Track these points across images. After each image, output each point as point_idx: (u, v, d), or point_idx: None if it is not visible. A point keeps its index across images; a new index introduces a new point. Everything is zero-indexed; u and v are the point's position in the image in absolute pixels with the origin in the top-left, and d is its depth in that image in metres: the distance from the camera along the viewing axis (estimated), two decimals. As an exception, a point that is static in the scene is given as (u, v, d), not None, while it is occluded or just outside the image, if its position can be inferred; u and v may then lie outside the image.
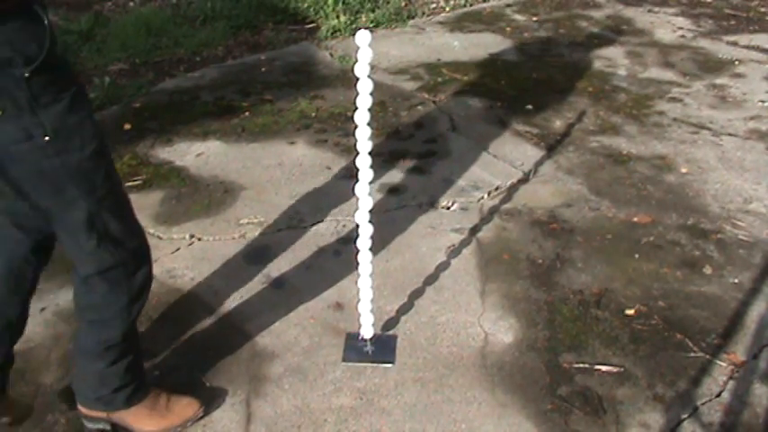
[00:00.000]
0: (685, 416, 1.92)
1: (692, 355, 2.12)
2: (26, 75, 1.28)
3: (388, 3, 5.35)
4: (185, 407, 1.86)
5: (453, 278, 2.45)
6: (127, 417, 1.82)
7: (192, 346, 2.15)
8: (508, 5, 5.55)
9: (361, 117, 1.79)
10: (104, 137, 1.49)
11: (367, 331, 2.10)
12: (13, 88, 1.29)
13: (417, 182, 3.04)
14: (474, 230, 2.71)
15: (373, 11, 5.17)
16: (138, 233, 1.67)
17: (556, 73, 4.21)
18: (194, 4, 5.07)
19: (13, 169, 1.40)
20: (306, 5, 5.12)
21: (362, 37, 1.69)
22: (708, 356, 2.11)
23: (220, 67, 4.24)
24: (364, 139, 1.82)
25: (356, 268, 2.04)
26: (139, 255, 1.66)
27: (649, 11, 5.43)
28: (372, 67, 1.72)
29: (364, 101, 1.77)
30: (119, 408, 1.80)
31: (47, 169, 1.39)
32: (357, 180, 1.89)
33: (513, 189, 2.99)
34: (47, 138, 1.34)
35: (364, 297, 2.06)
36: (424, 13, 5.32)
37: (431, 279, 2.44)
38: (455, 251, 2.58)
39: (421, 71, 4.22)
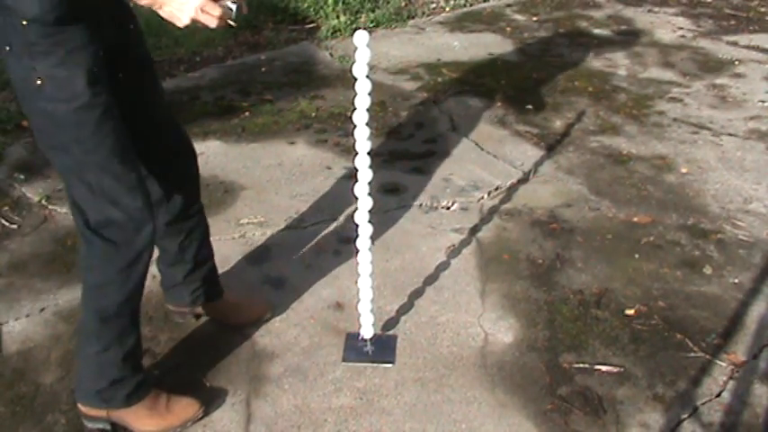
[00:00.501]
0: (685, 416, 1.91)
1: (692, 355, 2.12)
2: (23, 23, 1.41)
3: (388, 3, 5.35)
4: (185, 407, 1.87)
5: (453, 278, 2.45)
6: (126, 416, 1.83)
7: (191, 346, 2.15)
8: (508, 5, 5.55)
9: (360, 117, 1.79)
10: (109, 99, 1.55)
11: (367, 331, 2.10)
12: (12, 32, 1.44)
13: (417, 182, 3.04)
14: (474, 230, 2.71)
15: (373, 11, 5.17)
16: (137, 196, 1.64)
17: (556, 73, 4.21)
18: (194, 4, 5.07)
19: (23, 104, 1.57)
20: (306, 5, 5.12)
21: (361, 37, 1.69)
22: (708, 356, 2.11)
23: (220, 67, 4.24)
24: (363, 140, 1.82)
25: (356, 268, 2.04)
26: (138, 219, 1.65)
27: (649, 11, 5.43)
28: (372, 67, 1.73)
29: (363, 101, 1.77)
30: (119, 406, 1.81)
31: (39, 111, 1.52)
32: (357, 180, 1.89)
33: (513, 189, 2.99)
34: (38, 82, 1.46)
35: (364, 297, 2.06)
36: (424, 13, 5.32)
37: (431, 279, 2.44)
38: (455, 251, 2.58)
39: (421, 71, 4.22)
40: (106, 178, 1.59)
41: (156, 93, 1.80)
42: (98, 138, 1.55)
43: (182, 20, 1.54)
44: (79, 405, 1.84)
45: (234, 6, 1.65)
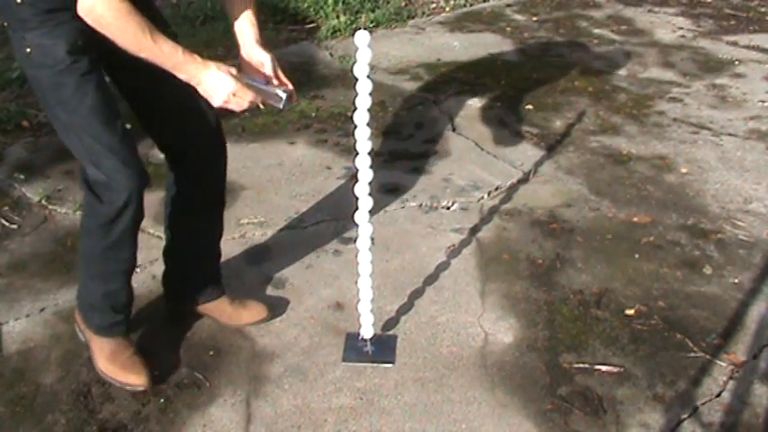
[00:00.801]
0: (685, 416, 1.91)
1: (692, 355, 2.12)
2: (18, 2, 1.59)
3: (388, 3, 5.35)
4: (136, 375, 1.96)
5: (453, 278, 2.45)
6: (92, 342, 2.01)
7: (191, 346, 2.15)
8: (508, 5, 5.55)
9: (361, 117, 1.79)
10: (90, 66, 1.68)
11: (367, 331, 2.10)
12: (8, 11, 1.62)
13: (417, 182, 3.04)
14: (474, 230, 2.71)
15: (373, 11, 5.17)
16: (116, 158, 1.72)
17: (556, 73, 4.21)
18: (194, 4, 5.07)
19: (25, 73, 1.75)
20: (306, 5, 5.12)
21: (361, 37, 1.69)
22: (708, 356, 2.11)
23: (220, 68, 4.23)
24: (364, 140, 1.82)
25: (356, 268, 2.04)
26: (116, 179, 1.73)
27: (649, 11, 5.43)
28: (372, 67, 1.73)
29: (363, 101, 1.77)
30: (90, 329, 2.01)
31: (32, 77, 1.71)
32: (357, 180, 1.89)
33: (513, 189, 2.99)
34: (28, 50, 1.64)
35: (364, 297, 2.06)
36: (424, 13, 5.32)
37: (431, 279, 2.44)
38: (455, 251, 2.58)
39: (421, 71, 4.22)
40: (86, 138, 1.71)
41: (174, 84, 1.79)
42: (77, 99, 1.66)
43: (214, 101, 1.70)
44: (76, 312, 2.06)
45: (284, 96, 1.78)
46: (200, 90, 1.68)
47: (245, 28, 1.84)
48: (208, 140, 1.97)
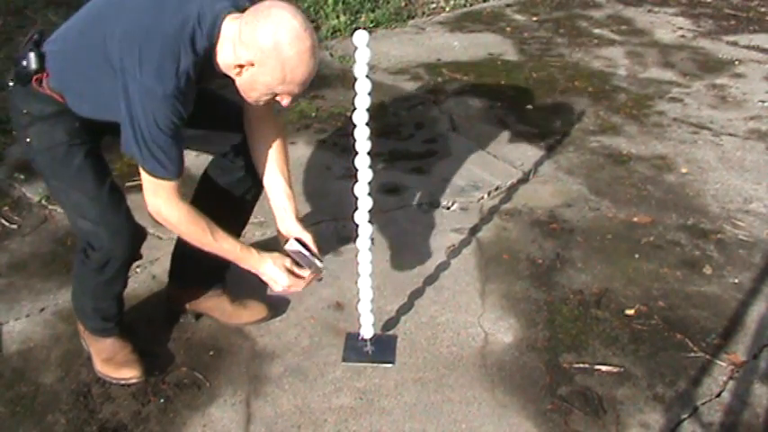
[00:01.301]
0: (685, 416, 1.91)
1: (692, 355, 2.12)
2: (24, 112, 1.80)
3: (388, 3, 5.35)
4: (129, 369, 2.00)
5: (453, 278, 2.45)
6: (91, 345, 2.04)
7: (191, 346, 2.15)
8: (508, 5, 5.55)
9: (360, 117, 1.79)
10: (84, 140, 1.82)
11: (367, 331, 2.10)
12: (15, 115, 1.84)
13: (417, 182, 3.04)
14: (474, 230, 2.71)
15: (373, 11, 5.17)
16: (103, 213, 1.81)
17: (556, 73, 4.21)
18: (194, 4, 5.07)
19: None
20: (306, 5, 5.12)
21: (361, 37, 1.69)
22: (708, 356, 2.11)
23: (220, 68, 4.24)
24: (363, 140, 1.82)
25: (356, 268, 2.04)
26: (101, 234, 1.81)
27: (649, 11, 5.43)
28: (372, 67, 1.73)
29: (363, 101, 1.77)
30: (86, 328, 2.04)
31: (33, 161, 1.86)
32: (357, 180, 1.89)
33: (513, 189, 2.99)
34: (28, 140, 1.82)
35: (364, 297, 2.06)
36: (424, 13, 5.32)
37: (431, 279, 2.44)
38: (455, 251, 2.58)
39: (421, 71, 4.22)
40: (74, 194, 1.81)
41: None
42: (66, 162, 1.79)
43: (275, 288, 1.88)
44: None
45: (322, 267, 1.94)
46: (263, 277, 1.88)
47: (286, 205, 1.95)
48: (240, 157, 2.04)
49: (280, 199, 1.95)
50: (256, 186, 2.04)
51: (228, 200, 2.04)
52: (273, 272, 1.85)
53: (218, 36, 1.63)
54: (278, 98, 1.69)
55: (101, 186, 1.82)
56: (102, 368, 2.01)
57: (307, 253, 1.92)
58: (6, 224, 2.72)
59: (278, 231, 1.98)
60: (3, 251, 2.57)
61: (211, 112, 1.91)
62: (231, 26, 1.62)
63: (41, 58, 1.74)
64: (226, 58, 1.65)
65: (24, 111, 1.79)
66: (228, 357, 2.10)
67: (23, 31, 4.61)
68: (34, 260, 2.52)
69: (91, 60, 1.67)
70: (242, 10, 1.64)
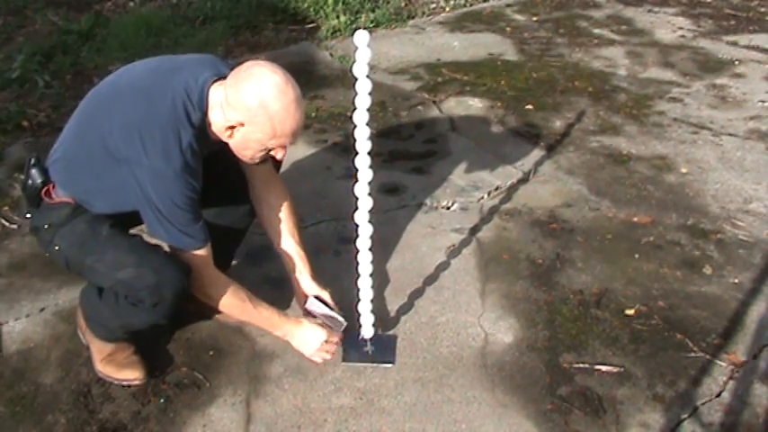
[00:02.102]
0: (685, 416, 1.91)
1: (692, 355, 2.12)
2: (45, 227, 1.83)
3: (388, 3, 5.35)
4: (132, 370, 2.00)
5: (453, 278, 2.45)
6: (92, 344, 2.03)
7: (191, 346, 2.15)
8: (508, 5, 5.55)
9: (360, 117, 1.79)
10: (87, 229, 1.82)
11: (367, 331, 2.10)
12: (41, 233, 1.85)
13: (417, 182, 3.04)
14: (474, 230, 2.71)
15: (373, 11, 5.17)
16: (141, 256, 1.78)
17: (556, 73, 4.22)
18: (194, 4, 5.07)
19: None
20: (306, 5, 5.12)
21: (361, 37, 1.69)
22: (708, 356, 2.11)
23: (220, 68, 4.23)
24: (363, 140, 1.82)
25: (356, 268, 2.04)
26: (143, 274, 1.76)
27: (649, 11, 5.43)
28: (372, 67, 1.74)
29: (363, 101, 1.77)
30: (93, 334, 2.01)
31: (63, 260, 1.87)
32: (357, 180, 1.89)
33: (513, 189, 2.99)
34: (57, 248, 1.84)
35: (364, 297, 2.06)
36: (424, 13, 5.32)
37: (431, 279, 2.44)
38: (455, 251, 2.58)
39: (421, 71, 4.22)
40: (108, 255, 1.79)
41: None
42: (93, 239, 1.80)
43: (305, 352, 2.00)
44: (78, 314, 2.08)
45: (344, 322, 2.05)
46: (293, 343, 1.99)
47: (301, 266, 2.07)
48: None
49: (294, 261, 2.06)
50: (252, 215, 2.15)
51: (227, 232, 2.13)
52: (308, 334, 1.97)
53: (207, 105, 1.70)
54: (272, 152, 1.77)
55: (133, 239, 1.84)
56: (103, 368, 2.01)
57: (328, 311, 2.03)
58: (6, 224, 2.72)
59: (296, 293, 2.08)
60: (3, 251, 2.57)
61: (218, 187, 1.96)
62: (217, 92, 1.70)
63: (44, 171, 1.81)
64: (217, 122, 1.72)
65: (46, 226, 1.82)
66: (228, 357, 2.10)
67: (23, 31, 4.61)
68: (34, 260, 2.52)
69: (93, 160, 1.73)
70: (224, 76, 1.72)
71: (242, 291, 1.88)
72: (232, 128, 1.70)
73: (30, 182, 1.82)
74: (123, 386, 1.98)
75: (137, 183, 1.67)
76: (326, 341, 1.99)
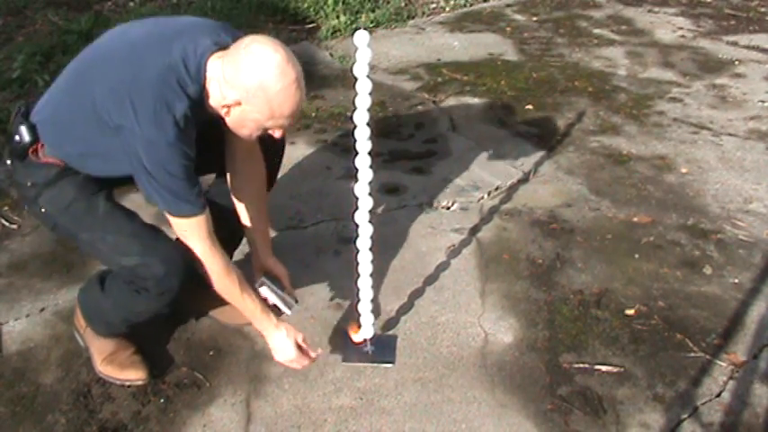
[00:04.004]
0: (685, 416, 1.92)
1: (692, 355, 2.12)
2: (28, 184, 1.79)
3: (388, 3, 5.35)
4: (134, 371, 1.99)
5: (453, 278, 2.45)
6: (92, 344, 2.03)
7: (191, 346, 2.15)
8: (508, 5, 5.55)
9: (361, 117, 1.79)
10: (100, 189, 1.81)
11: (367, 331, 2.10)
12: (22, 190, 1.82)
13: (417, 182, 3.04)
14: (474, 230, 2.71)
15: (373, 11, 5.17)
16: (145, 244, 1.77)
17: (556, 73, 4.22)
18: (194, 3, 5.07)
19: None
20: (306, 5, 5.12)
21: (361, 37, 1.69)
22: (708, 356, 2.11)
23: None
24: (364, 139, 1.82)
25: (356, 268, 2.04)
26: (149, 263, 1.75)
27: (649, 11, 5.43)
28: (372, 67, 1.73)
29: (363, 101, 1.77)
30: (93, 331, 2.01)
31: (53, 226, 1.85)
32: (357, 180, 1.89)
33: (513, 189, 2.99)
34: (43, 210, 1.81)
35: (364, 297, 2.06)
36: (424, 13, 5.32)
37: (431, 279, 2.44)
38: (455, 251, 2.58)
39: (421, 71, 4.22)
40: (109, 237, 1.77)
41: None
42: (91, 214, 1.77)
43: (276, 357, 1.92)
44: (76, 315, 2.06)
45: (295, 304, 2.02)
46: (269, 343, 1.91)
47: (262, 242, 2.03)
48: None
49: (255, 237, 2.01)
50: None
51: (230, 221, 2.05)
52: (282, 343, 1.88)
53: (204, 78, 1.64)
54: (270, 131, 1.72)
55: (134, 221, 1.81)
56: (104, 368, 2.00)
57: (278, 290, 1.98)
58: (6, 224, 2.72)
59: (253, 268, 2.03)
60: (3, 251, 2.57)
61: (211, 154, 1.93)
62: (215, 66, 1.63)
63: (33, 129, 1.76)
64: (214, 98, 1.66)
65: (29, 183, 1.78)
66: (228, 357, 2.10)
67: (23, 31, 4.61)
68: (34, 260, 2.52)
69: (85, 124, 1.68)
70: (224, 46, 1.65)
71: (236, 273, 1.81)
72: (229, 106, 1.65)
73: (17, 138, 1.76)
74: (125, 386, 1.98)
75: (130, 150, 1.61)
76: (300, 356, 1.90)
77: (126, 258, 1.76)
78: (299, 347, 1.90)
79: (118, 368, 1.99)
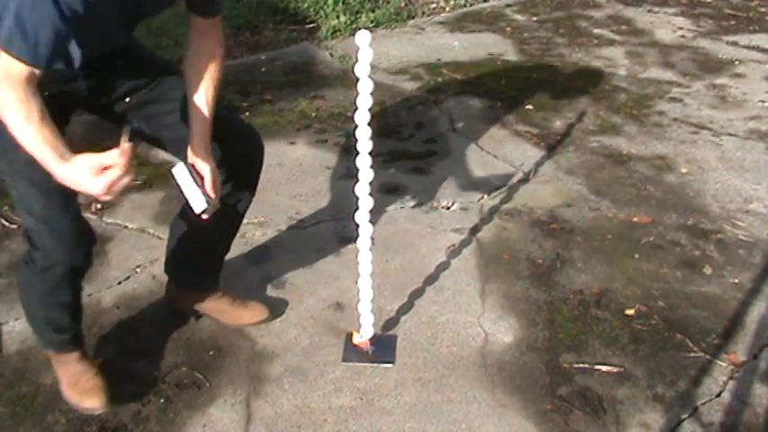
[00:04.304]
0: (685, 416, 1.92)
1: (692, 355, 2.12)
2: None
3: (388, 3, 5.35)
4: (92, 398, 1.90)
5: (453, 278, 2.45)
6: (56, 366, 1.96)
7: (191, 346, 2.15)
8: (508, 5, 5.55)
9: (362, 117, 1.79)
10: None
11: (367, 331, 2.10)
12: None
13: (417, 182, 3.04)
14: (474, 230, 2.71)
15: (373, 11, 5.17)
16: (49, 211, 1.68)
17: (556, 73, 4.21)
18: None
19: None
20: (306, 5, 5.12)
21: (363, 37, 1.69)
22: (708, 356, 2.12)
23: (220, 67, 4.23)
24: (364, 139, 1.82)
25: (356, 268, 2.04)
26: (46, 233, 1.70)
27: (649, 11, 5.43)
28: (372, 67, 1.73)
29: (364, 101, 1.77)
30: (43, 345, 1.99)
31: None
32: (357, 180, 1.89)
33: (513, 189, 2.99)
34: None
35: (364, 297, 2.06)
36: (424, 13, 5.32)
37: (431, 279, 2.44)
38: (455, 251, 2.58)
39: (421, 71, 4.22)
40: (22, 184, 1.66)
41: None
42: (17, 149, 1.46)
43: (90, 191, 1.46)
44: None
45: (205, 205, 1.70)
46: (69, 184, 1.47)
47: (197, 131, 1.75)
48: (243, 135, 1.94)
49: (196, 121, 1.75)
50: (246, 197, 2.01)
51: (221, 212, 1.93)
52: (79, 176, 1.43)
53: None
54: None
55: (50, 179, 1.48)
56: (69, 394, 1.93)
57: (191, 182, 1.71)
58: (6, 224, 2.72)
59: (188, 152, 1.76)
60: (3, 251, 2.57)
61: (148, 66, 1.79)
62: None
63: None
64: None
65: None
66: (228, 357, 2.10)
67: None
68: (34, 260, 2.52)
69: None
70: None
71: (38, 105, 1.41)
72: None
73: None
74: (87, 415, 1.90)
75: None
76: (104, 178, 1.42)
77: (26, 216, 1.70)
78: (103, 169, 1.43)
79: (78, 394, 1.91)
